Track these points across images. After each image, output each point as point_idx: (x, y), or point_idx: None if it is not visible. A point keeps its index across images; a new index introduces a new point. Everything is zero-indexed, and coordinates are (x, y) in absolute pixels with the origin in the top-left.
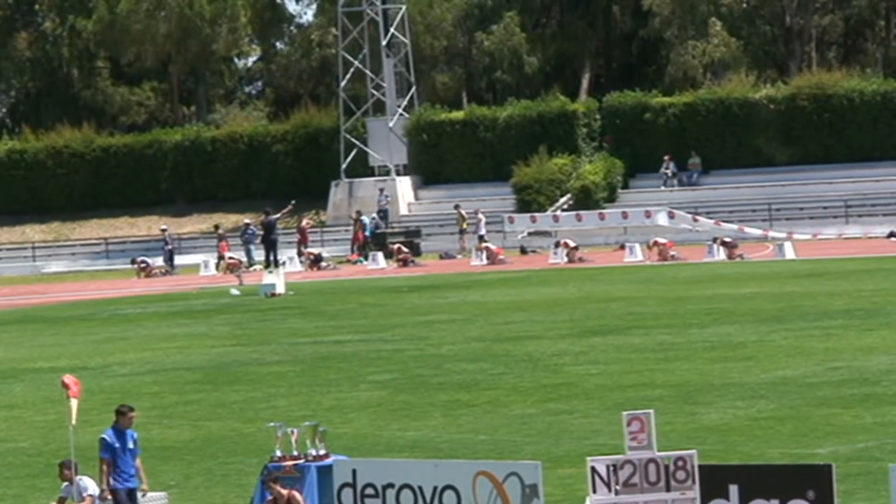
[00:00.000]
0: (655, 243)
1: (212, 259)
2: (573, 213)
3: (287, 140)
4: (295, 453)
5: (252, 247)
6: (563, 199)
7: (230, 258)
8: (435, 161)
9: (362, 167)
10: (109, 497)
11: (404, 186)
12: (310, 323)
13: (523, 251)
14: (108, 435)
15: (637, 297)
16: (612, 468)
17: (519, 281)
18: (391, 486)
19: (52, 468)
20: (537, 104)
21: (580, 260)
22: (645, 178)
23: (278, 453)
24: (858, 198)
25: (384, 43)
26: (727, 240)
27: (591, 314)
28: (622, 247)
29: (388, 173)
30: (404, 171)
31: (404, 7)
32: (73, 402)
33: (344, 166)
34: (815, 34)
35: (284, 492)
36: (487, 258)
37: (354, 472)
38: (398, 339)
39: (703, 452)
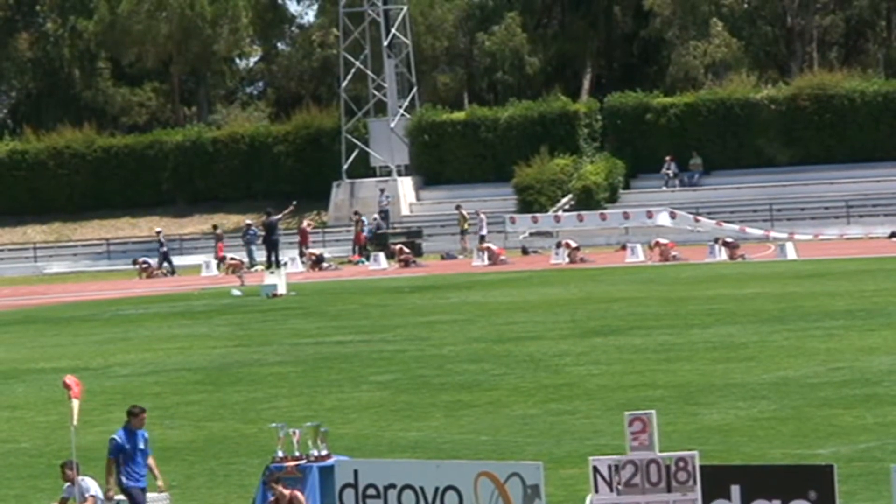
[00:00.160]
0: (657, 244)
1: (213, 260)
2: (574, 213)
3: (288, 141)
4: (297, 454)
5: (254, 247)
6: (564, 200)
7: (232, 259)
8: (436, 161)
9: (364, 168)
10: (115, 498)
11: (406, 187)
12: (311, 323)
13: (525, 251)
14: (119, 436)
15: (638, 297)
16: (613, 468)
17: (520, 281)
18: (393, 486)
19: (53, 469)
20: (538, 105)
21: (581, 260)
22: (646, 178)
23: (280, 454)
24: (860, 198)
25: (385, 43)
26: (729, 240)
27: (593, 315)
28: (623, 247)
29: (389, 174)
30: (405, 171)
31: (405, 7)
32: (75, 403)
33: (345, 167)
34: (817, 34)
35: (287, 492)
36: (489, 259)
37: (356, 472)
38: (400, 340)
39: (704, 453)
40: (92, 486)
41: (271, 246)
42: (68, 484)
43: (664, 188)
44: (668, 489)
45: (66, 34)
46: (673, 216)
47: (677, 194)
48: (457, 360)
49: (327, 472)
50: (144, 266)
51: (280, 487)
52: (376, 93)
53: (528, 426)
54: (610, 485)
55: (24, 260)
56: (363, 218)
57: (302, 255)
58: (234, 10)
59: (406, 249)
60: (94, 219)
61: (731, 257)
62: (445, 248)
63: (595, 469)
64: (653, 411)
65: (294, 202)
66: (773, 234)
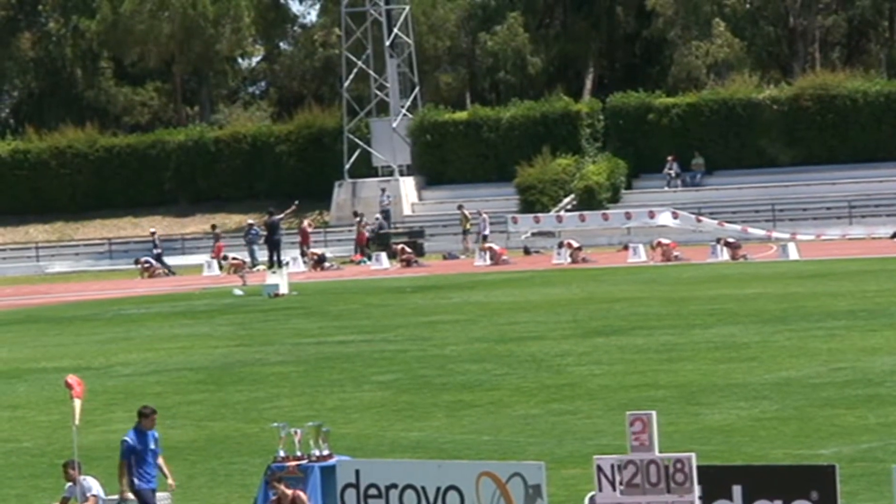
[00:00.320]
0: (659, 244)
1: (215, 259)
2: (577, 213)
3: (290, 140)
4: (298, 454)
5: (255, 247)
6: (566, 200)
7: (234, 258)
8: (438, 161)
9: (366, 167)
10: (128, 499)
11: (408, 187)
12: (313, 323)
13: (527, 251)
14: (130, 437)
15: (640, 297)
16: (615, 468)
17: (522, 281)
18: (394, 486)
19: (55, 468)
20: (541, 105)
21: (583, 260)
22: (648, 178)
23: (282, 453)
24: (862, 198)
25: (388, 43)
26: (731, 240)
27: (595, 315)
28: (625, 247)
29: (391, 174)
30: (408, 171)
31: (408, 7)
32: (77, 403)
33: (347, 167)
34: (819, 35)
35: (289, 492)
36: (491, 259)
37: (358, 472)
38: (401, 340)
39: (706, 453)
40: (94, 486)
41: (273, 246)
42: (70, 483)
43: (666, 188)
44: (668, 490)
45: (68, 34)
46: (675, 216)
47: (679, 194)
48: (459, 360)
49: (329, 472)
50: (146, 266)
51: (282, 487)
52: (378, 92)
53: (529, 426)
54: (613, 484)
55: (27, 259)
56: (363, 218)
57: (303, 254)
58: (236, 10)
59: (408, 249)
60: (96, 218)
61: (734, 257)
62: (447, 248)
63: (599, 468)
64: (652, 412)
65: (296, 202)
66: (775, 234)
